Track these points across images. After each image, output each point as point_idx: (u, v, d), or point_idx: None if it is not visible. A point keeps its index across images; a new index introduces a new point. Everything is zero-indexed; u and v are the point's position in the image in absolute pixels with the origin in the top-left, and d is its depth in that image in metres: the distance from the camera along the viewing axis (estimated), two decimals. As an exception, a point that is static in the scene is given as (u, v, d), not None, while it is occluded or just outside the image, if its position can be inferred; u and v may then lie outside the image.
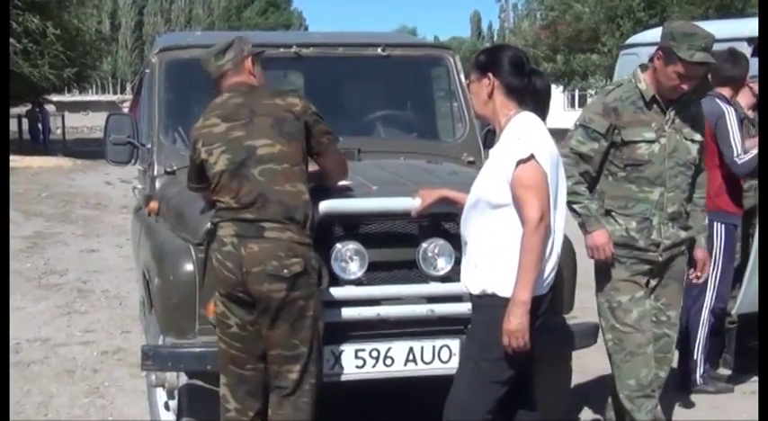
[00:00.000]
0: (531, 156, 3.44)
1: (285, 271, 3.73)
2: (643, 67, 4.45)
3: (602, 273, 4.48)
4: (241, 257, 3.75)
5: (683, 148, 4.37)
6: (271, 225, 3.75)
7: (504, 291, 3.48)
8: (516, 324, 3.41)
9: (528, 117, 3.60)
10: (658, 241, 4.39)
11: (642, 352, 4.38)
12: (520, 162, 3.44)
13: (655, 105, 4.36)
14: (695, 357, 5.59)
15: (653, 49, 7.26)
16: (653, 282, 4.53)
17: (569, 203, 4.09)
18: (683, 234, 4.48)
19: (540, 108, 3.67)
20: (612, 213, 4.43)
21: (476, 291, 3.61)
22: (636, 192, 4.38)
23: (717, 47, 5.54)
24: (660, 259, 4.43)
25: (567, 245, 4.41)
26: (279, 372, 3.86)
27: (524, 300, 3.41)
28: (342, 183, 4.18)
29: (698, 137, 4.43)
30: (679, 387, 5.64)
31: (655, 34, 7.85)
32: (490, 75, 3.62)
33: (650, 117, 4.34)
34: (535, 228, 3.39)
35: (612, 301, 4.42)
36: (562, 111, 41.70)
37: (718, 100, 5.42)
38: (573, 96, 42.18)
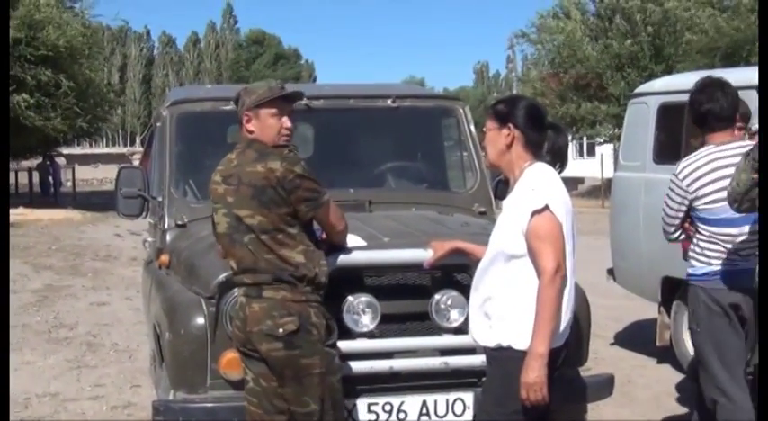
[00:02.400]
0: (546, 207, 3.43)
1: (280, 330, 3.75)
2: None
3: None
4: (245, 316, 3.82)
5: None
6: (266, 286, 3.80)
7: (520, 343, 3.45)
8: (534, 377, 3.37)
9: (542, 167, 3.59)
10: None
11: None
12: (535, 212, 3.42)
13: None
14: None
15: (662, 98, 7.36)
16: None
17: None
18: None
19: (560, 163, 3.68)
20: None
21: (490, 344, 3.57)
22: None
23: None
24: None
25: (581, 295, 4.38)
26: None
27: (542, 353, 3.37)
28: (351, 236, 4.15)
29: None
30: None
31: (663, 83, 7.92)
32: (511, 125, 3.60)
33: None
34: (551, 279, 3.36)
35: None
36: (571, 159, 41.74)
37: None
38: (581, 145, 42.27)
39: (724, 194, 4.22)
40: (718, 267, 4.45)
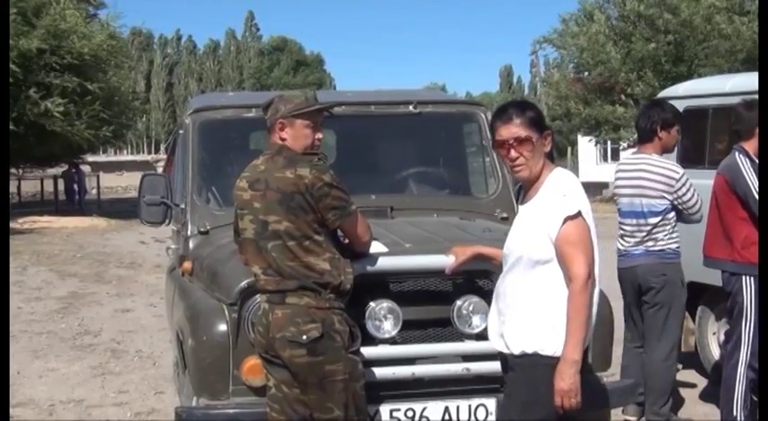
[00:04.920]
0: (579, 213, 3.41)
1: (304, 336, 3.76)
2: None
3: None
4: (269, 323, 3.83)
5: None
6: (290, 292, 3.82)
7: (546, 349, 3.43)
8: (569, 384, 3.36)
9: (566, 173, 3.57)
10: None
11: None
12: (567, 218, 3.40)
13: None
14: (735, 414, 5.45)
15: (686, 102, 7.32)
16: None
17: None
18: None
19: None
20: None
21: (515, 351, 3.54)
22: None
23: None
24: None
25: (603, 299, 4.35)
26: None
27: (576, 360, 3.36)
28: (373, 242, 4.14)
29: None
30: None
31: (687, 87, 7.86)
32: (547, 131, 3.57)
33: None
34: (583, 285, 3.35)
35: None
36: (595, 164, 41.59)
37: (736, 152, 5.32)
38: (605, 150, 42.07)
39: (623, 190, 5.68)
40: (618, 248, 5.72)
